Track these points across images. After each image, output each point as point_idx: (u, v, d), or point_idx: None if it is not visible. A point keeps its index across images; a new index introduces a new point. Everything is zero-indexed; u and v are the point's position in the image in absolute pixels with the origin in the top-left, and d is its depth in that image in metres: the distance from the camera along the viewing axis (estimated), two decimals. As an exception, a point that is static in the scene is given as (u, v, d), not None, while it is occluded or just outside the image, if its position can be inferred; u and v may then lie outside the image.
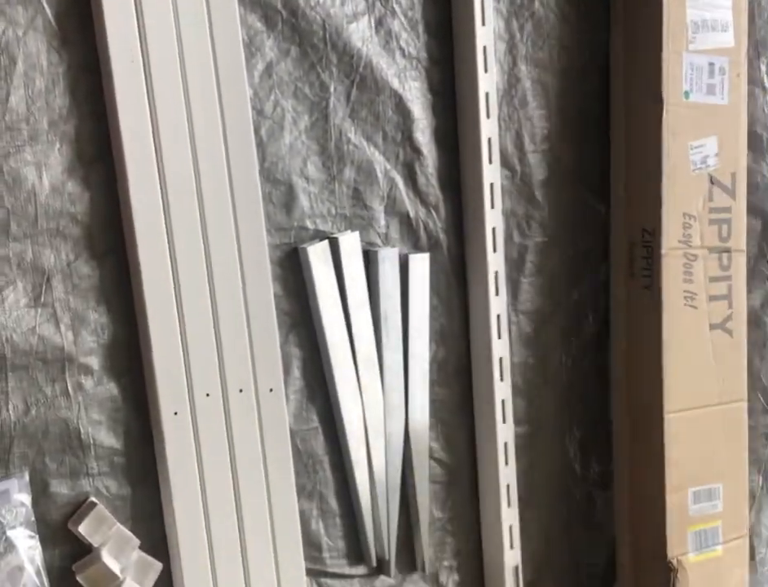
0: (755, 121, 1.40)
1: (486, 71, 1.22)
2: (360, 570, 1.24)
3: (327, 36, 1.14)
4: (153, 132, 1.03)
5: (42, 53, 0.98)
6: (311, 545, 1.20)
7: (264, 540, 1.13)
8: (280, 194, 1.13)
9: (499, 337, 1.28)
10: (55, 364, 1.02)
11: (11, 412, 1.00)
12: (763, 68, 1.40)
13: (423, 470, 1.27)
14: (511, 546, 1.32)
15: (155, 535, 1.09)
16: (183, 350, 1.06)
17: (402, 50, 1.19)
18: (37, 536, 1.01)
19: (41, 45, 0.98)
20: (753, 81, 1.39)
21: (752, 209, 1.39)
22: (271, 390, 1.12)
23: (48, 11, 0.98)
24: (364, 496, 1.22)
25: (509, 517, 1.32)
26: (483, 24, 1.21)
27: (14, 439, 1.00)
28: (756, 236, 1.44)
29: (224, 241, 1.08)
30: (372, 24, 1.17)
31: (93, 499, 1.05)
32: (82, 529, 1.02)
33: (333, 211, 1.17)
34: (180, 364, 1.06)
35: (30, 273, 1.00)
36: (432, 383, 1.27)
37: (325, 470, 1.20)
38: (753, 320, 1.44)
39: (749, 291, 1.39)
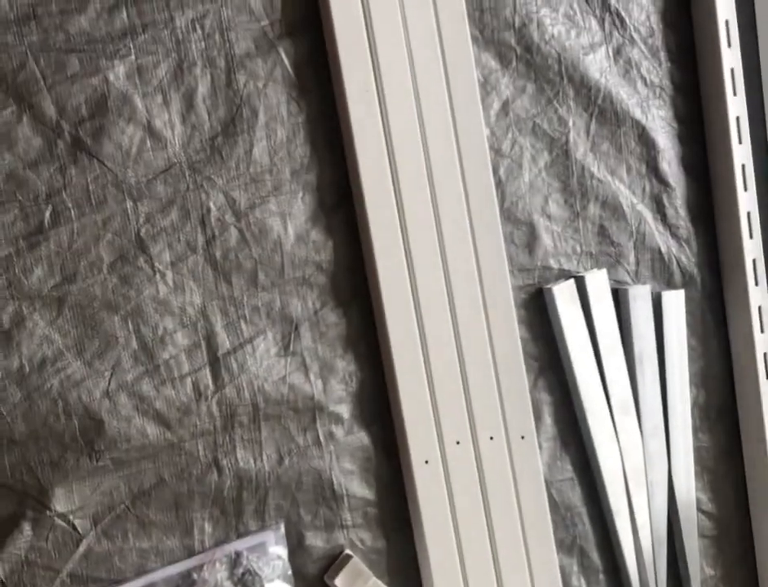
0: None
1: (735, 94, 1.15)
2: (629, 632, 1.16)
3: (563, 69, 1.11)
4: (392, 176, 1.02)
5: (282, 104, 1.00)
6: (574, 604, 1.13)
7: (524, 596, 1.08)
8: (522, 234, 1.10)
9: (767, 378, 1.19)
10: (305, 413, 1.01)
11: (265, 462, 1.00)
12: None
13: (691, 523, 1.18)
14: (795, 607, 1.21)
15: (411, 589, 1.06)
16: (431, 397, 1.04)
17: (643, 78, 1.14)
18: (295, 590, 1.00)
19: (281, 96, 1.00)
20: None
21: None
22: (522, 437, 1.08)
23: (286, 61, 1.00)
24: (627, 550, 1.14)
25: (791, 573, 1.20)
26: (729, 45, 1.15)
27: (269, 490, 1.00)
28: None
29: (468, 284, 1.05)
30: (611, 54, 1.13)
31: (348, 552, 1.03)
32: (339, 582, 1.00)
33: (578, 249, 1.13)
34: (429, 412, 1.04)
35: (279, 322, 1.00)
36: (694, 430, 1.19)
37: (584, 523, 1.14)
38: None
39: None
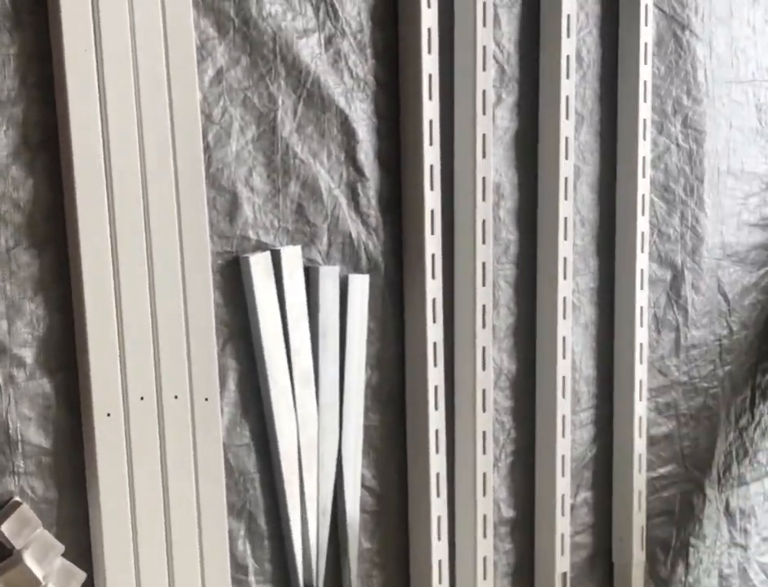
0: (668, 176, 1.44)
1: (431, 98, 1.23)
2: (287, 597, 1.20)
3: (277, 48, 1.14)
4: (102, 125, 1.01)
5: (-7, 31, 0.96)
6: (237, 567, 1.16)
7: (191, 556, 1.09)
8: (225, 201, 1.12)
9: (435, 366, 1.27)
10: (-14, 352, 0.98)
11: (-65, 397, 0.95)
12: (678, 125, 1.45)
13: (354, 498, 1.24)
14: (440, 582, 1.29)
15: (80, 543, 1.04)
16: (120, 350, 1.03)
17: (350, 70, 1.20)
18: (-45, 535, 0.96)
19: (-7, 23, 0.96)
20: (669, 136, 1.43)
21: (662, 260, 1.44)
22: (206, 399, 1.09)
23: (2, -10, 0.96)
24: (294, 518, 1.18)
25: (439, 551, 1.29)
26: (429, 51, 1.23)
27: (-63, 427, 0.96)
28: (665, 286, 1.47)
29: (167, 241, 1.06)
30: (322, 42, 1.18)
31: (17, 499, 1.00)
32: (5, 529, 0.97)
33: (276, 224, 1.16)
34: (116, 364, 1.03)
35: (-34, 256, 0.96)
36: (366, 409, 1.25)
37: (256, 489, 1.17)
38: (660, 369, 1.47)
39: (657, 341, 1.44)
